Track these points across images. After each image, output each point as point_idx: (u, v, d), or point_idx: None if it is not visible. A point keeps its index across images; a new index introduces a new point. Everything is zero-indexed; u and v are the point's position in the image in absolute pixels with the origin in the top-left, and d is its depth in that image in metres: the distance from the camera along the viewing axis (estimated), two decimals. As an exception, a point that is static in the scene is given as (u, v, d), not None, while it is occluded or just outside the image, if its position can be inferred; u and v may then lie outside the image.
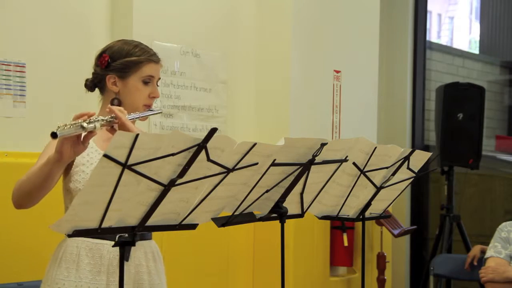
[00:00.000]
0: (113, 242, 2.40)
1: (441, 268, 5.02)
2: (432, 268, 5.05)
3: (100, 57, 2.58)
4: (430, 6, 6.62)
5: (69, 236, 1.90)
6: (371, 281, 5.01)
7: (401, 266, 6.00)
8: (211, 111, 4.31)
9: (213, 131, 1.91)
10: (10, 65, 3.48)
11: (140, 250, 2.52)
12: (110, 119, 2.30)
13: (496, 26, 8.12)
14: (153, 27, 3.99)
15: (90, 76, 2.63)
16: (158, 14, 4.02)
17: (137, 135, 1.79)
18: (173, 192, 1.97)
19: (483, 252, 4.61)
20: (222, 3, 4.42)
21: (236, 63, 4.50)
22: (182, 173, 1.94)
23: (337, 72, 4.93)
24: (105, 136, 2.50)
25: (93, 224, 1.90)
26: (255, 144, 2.11)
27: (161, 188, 1.94)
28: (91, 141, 2.51)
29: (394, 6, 6.04)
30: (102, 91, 2.59)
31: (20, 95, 3.51)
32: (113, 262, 2.46)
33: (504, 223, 4.44)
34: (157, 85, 2.59)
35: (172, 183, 1.94)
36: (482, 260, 4.55)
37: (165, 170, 1.92)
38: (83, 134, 2.23)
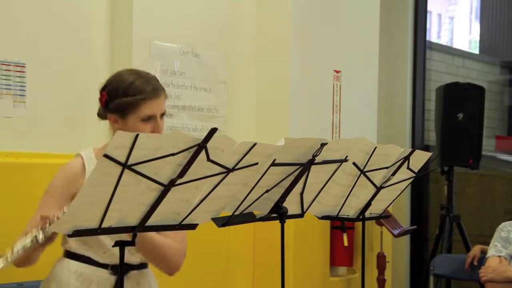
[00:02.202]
0: (104, 270, 2.42)
1: (441, 268, 5.01)
2: (432, 268, 5.04)
3: (100, 94, 2.50)
4: (430, 6, 6.62)
5: (69, 236, 1.90)
6: (371, 281, 5.01)
7: (401, 266, 6.00)
8: (211, 111, 4.31)
9: (213, 131, 1.91)
10: (10, 65, 3.48)
11: (133, 280, 2.49)
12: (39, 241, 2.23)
13: (496, 26, 8.12)
14: (153, 27, 3.99)
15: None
16: (158, 14, 4.02)
17: (137, 135, 1.79)
18: (173, 192, 1.97)
19: (483, 252, 4.61)
20: (222, 3, 4.42)
21: (236, 63, 4.50)
22: (182, 173, 1.94)
23: (337, 72, 4.92)
24: None
25: (93, 224, 1.90)
26: (255, 144, 2.11)
27: (161, 188, 1.94)
28: (93, 157, 2.48)
29: (394, 6, 6.04)
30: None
31: (20, 95, 3.51)
32: None
33: (504, 223, 4.44)
34: (164, 116, 2.49)
35: (172, 183, 1.94)
36: (482, 260, 4.55)
37: (165, 170, 1.92)
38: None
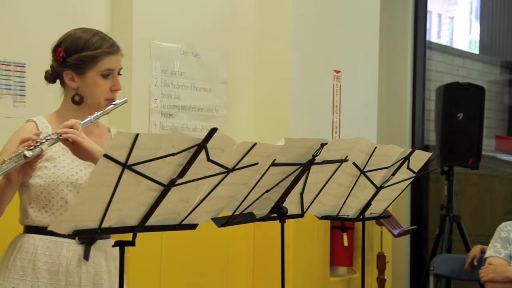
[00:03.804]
0: (72, 240, 2.35)
1: (441, 268, 5.02)
2: (432, 268, 5.05)
3: (55, 51, 2.46)
4: (430, 6, 6.62)
5: (70, 236, 1.90)
6: (371, 281, 5.01)
7: (401, 266, 6.00)
8: (211, 111, 4.31)
9: (213, 131, 1.91)
10: (10, 65, 3.48)
11: (100, 249, 2.42)
12: (60, 136, 2.21)
13: (496, 26, 8.12)
14: (153, 27, 3.99)
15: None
16: (158, 14, 4.02)
17: (137, 135, 1.79)
18: (173, 192, 1.97)
19: (483, 252, 4.61)
20: (222, 3, 4.42)
21: (236, 63, 4.50)
22: (182, 173, 1.94)
23: (337, 72, 4.92)
24: None
25: (93, 224, 1.90)
26: (255, 144, 2.11)
27: (161, 188, 1.94)
28: (47, 123, 2.44)
29: (394, 6, 6.04)
30: (62, 84, 2.48)
31: (20, 95, 3.51)
32: (72, 261, 2.37)
33: (504, 223, 4.44)
34: (120, 74, 2.47)
35: (172, 183, 1.94)
36: (482, 260, 4.55)
37: (165, 170, 1.91)
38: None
